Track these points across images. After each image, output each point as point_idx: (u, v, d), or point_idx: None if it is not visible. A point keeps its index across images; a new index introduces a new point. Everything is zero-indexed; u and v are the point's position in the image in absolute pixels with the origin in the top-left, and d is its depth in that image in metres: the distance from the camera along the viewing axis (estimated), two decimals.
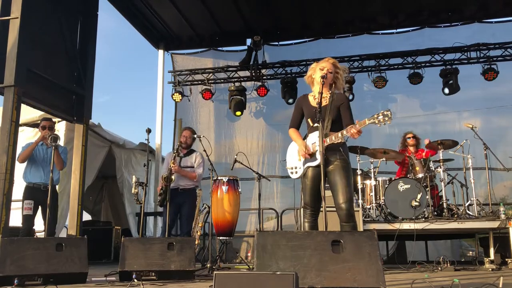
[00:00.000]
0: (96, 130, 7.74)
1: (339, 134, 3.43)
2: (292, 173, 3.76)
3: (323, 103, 3.55)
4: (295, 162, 3.72)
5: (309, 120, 3.66)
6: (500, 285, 2.57)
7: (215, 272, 2.27)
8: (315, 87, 3.71)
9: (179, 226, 5.64)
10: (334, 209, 3.48)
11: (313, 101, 3.67)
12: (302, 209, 3.69)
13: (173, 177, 5.37)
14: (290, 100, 8.94)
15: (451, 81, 8.35)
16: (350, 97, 8.30)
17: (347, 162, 3.54)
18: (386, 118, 3.20)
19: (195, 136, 5.77)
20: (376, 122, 3.24)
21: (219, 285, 2.22)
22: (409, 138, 6.88)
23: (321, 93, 3.44)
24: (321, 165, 3.19)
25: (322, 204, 3.23)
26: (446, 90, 8.40)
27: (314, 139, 3.56)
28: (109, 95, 33.58)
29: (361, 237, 2.76)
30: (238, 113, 9.19)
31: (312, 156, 3.54)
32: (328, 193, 3.56)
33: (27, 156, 5.36)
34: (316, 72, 3.68)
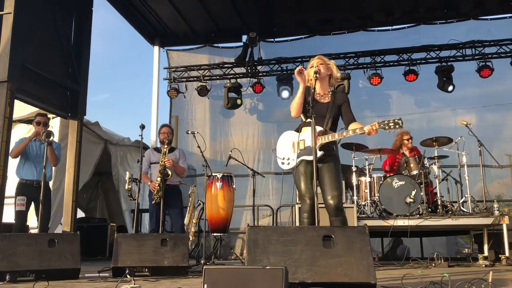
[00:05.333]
0: (92, 128, 7.70)
1: (336, 136, 3.46)
2: (283, 163, 3.68)
3: (323, 100, 3.62)
4: (288, 153, 3.66)
5: (301, 115, 3.65)
6: (490, 280, 2.59)
7: (204, 267, 2.26)
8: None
9: (172, 224, 5.61)
10: None
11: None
12: (299, 205, 3.68)
13: (169, 172, 5.29)
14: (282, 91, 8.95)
15: (448, 78, 8.35)
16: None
17: (336, 158, 3.59)
18: (397, 126, 3.30)
19: (189, 132, 5.72)
20: (386, 128, 3.33)
21: (209, 279, 2.22)
22: (407, 140, 6.68)
23: (314, 89, 3.49)
24: (314, 160, 3.18)
25: (316, 199, 3.23)
26: (450, 88, 8.35)
27: (307, 135, 3.55)
28: (108, 92, 33.49)
29: (352, 232, 2.76)
30: (239, 101, 9.20)
31: (306, 148, 3.52)
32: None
33: (20, 151, 5.33)
34: (310, 74, 3.70)
